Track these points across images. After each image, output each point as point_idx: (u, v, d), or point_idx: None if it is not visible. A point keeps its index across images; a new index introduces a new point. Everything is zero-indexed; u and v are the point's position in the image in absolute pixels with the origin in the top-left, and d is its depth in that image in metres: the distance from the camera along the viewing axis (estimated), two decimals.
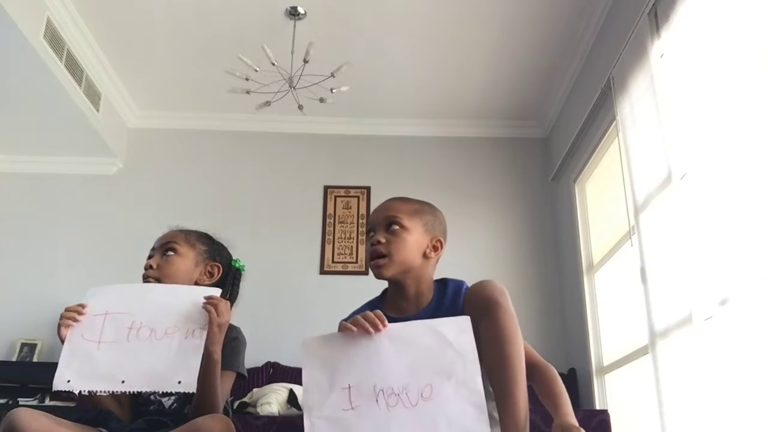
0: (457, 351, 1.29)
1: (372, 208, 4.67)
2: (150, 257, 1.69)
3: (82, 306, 1.49)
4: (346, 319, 1.44)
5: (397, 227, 1.49)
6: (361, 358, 1.30)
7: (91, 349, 1.43)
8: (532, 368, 1.42)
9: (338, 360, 1.30)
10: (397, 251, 1.48)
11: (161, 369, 1.40)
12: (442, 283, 1.54)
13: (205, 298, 1.48)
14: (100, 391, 1.41)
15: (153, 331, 1.45)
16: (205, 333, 1.44)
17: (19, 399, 3.90)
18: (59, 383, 1.39)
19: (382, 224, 1.51)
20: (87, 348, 1.44)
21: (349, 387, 1.27)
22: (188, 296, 1.51)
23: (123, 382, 1.39)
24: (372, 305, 1.55)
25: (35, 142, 4.47)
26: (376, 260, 1.48)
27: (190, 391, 1.39)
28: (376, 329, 1.30)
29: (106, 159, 4.66)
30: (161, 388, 1.41)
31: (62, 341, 1.45)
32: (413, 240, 1.50)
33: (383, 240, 1.49)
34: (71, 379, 1.40)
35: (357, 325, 1.31)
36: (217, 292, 1.53)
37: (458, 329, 1.31)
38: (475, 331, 1.35)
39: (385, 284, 1.58)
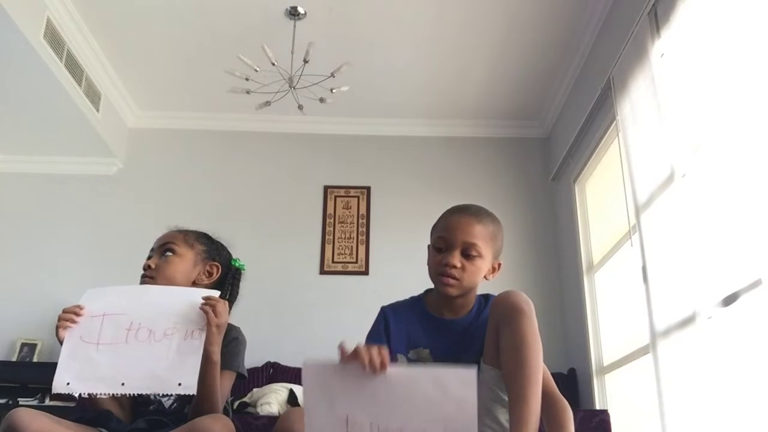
0: (458, 404, 1.24)
1: (372, 208, 4.67)
2: (149, 258, 1.69)
3: (80, 307, 1.49)
4: (385, 308, 1.53)
5: (473, 253, 1.49)
6: (358, 391, 1.26)
7: (90, 351, 1.43)
8: (549, 401, 1.43)
9: (337, 388, 1.26)
10: (469, 278, 1.50)
11: (161, 371, 1.40)
12: (484, 298, 1.58)
13: (203, 298, 1.48)
14: (100, 394, 1.41)
15: (152, 332, 1.45)
16: (204, 334, 1.44)
17: (19, 399, 3.90)
18: (58, 386, 1.39)
19: (459, 246, 1.50)
20: (86, 350, 1.43)
21: (347, 418, 1.25)
22: (186, 297, 1.50)
23: (123, 384, 1.39)
24: (415, 302, 1.59)
25: (35, 142, 4.47)
26: (447, 279, 1.49)
27: (191, 393, 1.39)
28: (375, 371, 1.24)
29: (106, 159, 4.66)
30: (161, 391, 1.41)
31: (61, 342, 1.45)
32: (484, 266, 1.52)
33: (458, 265, 1.49)
34: (71, 382, 1.39)
35: (359, 358, 1.24)
36: (215, 293, 1.53)
37: (463, 383, 1.26)
38: (498, 338, 1.40)
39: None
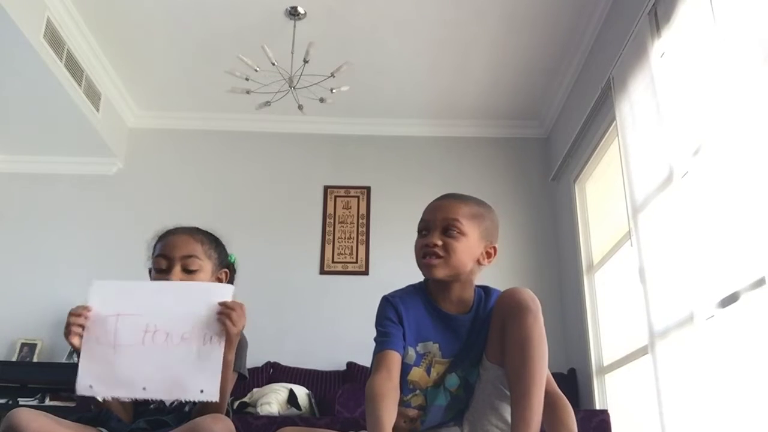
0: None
1: (372, 208, 4.67)
2: (163, 267, 1.62)
3: (87, 308, 1.45)
4: (391, 297, 1.49)
5: (455, 231, 1.45)
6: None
7: (107, 354, 1.42)
8: (549, 399, 1.41)
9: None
10: (455, 256, 1.44)
11: (183, 377, 1.40)
12: (484, 291, 1.53)
13: (220, 304, 1.46)
14: (122, 398, 1.42)
15: (169, 335, 1.43)
16: (222, 339, 1.43)
17: (19, 399, 3.89)
18: (82, 389, 1.39)
19: (439, 226, 1.46)
20: (103, 352, 1.42)
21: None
22: (201, 296, 1.48)
23: (144, 389, 1.39)
24: (418, 291, 1.53)
25: (35, 142, 4.47)
26: (429, 259, 1.44)
27: (213, 400, 1.39)
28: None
29: (106, 159, 4.67)
30: (183, 397, 1.41)
31: (71, 346, 1.44)
32: (469, 246, 1.46)
33: (439, 243, 1.44)
34: (93, 385, 1.40)
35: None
36: (229, 290, 1.50)
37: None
38: (503, 335, 1.37)
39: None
